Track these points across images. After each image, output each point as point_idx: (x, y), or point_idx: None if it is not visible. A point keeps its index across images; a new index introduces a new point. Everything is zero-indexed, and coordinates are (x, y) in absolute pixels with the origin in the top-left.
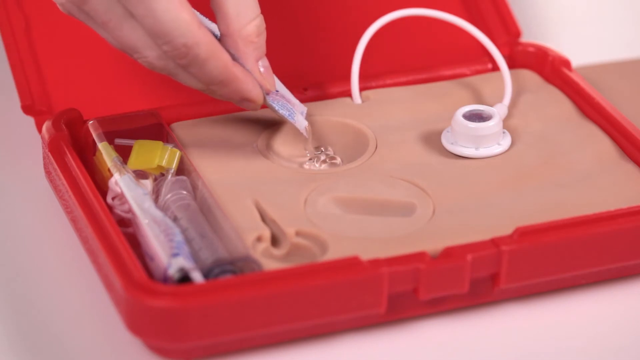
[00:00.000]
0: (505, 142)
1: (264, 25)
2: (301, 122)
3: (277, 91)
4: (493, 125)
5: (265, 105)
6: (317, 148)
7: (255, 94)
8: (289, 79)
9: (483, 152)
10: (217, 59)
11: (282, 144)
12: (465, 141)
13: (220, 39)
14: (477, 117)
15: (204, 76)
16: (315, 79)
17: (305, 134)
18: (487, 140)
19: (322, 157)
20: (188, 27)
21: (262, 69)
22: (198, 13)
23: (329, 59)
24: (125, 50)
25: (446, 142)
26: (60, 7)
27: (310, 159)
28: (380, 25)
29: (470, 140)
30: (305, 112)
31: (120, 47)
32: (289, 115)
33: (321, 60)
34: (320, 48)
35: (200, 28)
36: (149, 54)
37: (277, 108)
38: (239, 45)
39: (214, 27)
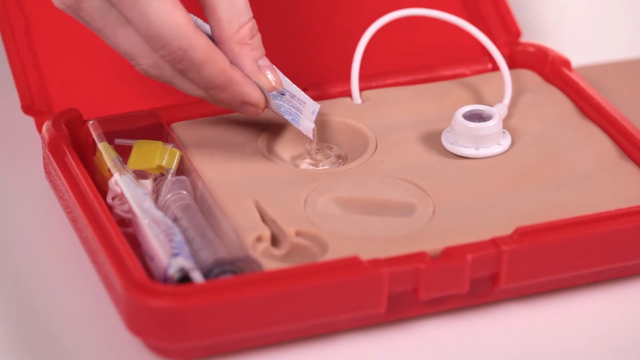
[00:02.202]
0: (505, 142)
1: (256, 28)
2: (307, 126)
3: (284, 93)
4: (493, 125)
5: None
6: (320, 147)
7: (255, 97)
8: (289, 78)
9: (483, 152)
10: (214, 62)
11: (282, 144)
12: (465, 141)
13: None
14: (477, 117)
15: (201, 80)
16: (315, 79)
17: (310, 136)
18: (487, 140)
19: (332, 153)
20: (183, 30)
21: (264, 71)
22: (194, 17)
23: (329, 59)
24: (124, 56)
25: (446, 142)
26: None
27: (314, 155)
28: (380, 25)
29: (470, 140)
30: (317, 110)
31: (118, 52)
32: (293, 119)
33: (321, 60)
34: (320, 48)
35: (196, 32)
36: (144, 61)
37: (281, 113)
38: (234, 49)
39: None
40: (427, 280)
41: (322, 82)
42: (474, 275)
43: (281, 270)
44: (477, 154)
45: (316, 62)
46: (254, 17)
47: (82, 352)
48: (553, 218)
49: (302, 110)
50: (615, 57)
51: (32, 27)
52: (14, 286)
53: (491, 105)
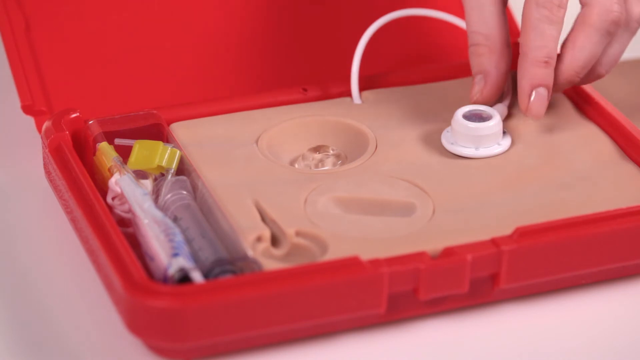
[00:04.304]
0: (505, 142)
1: (554, 58)
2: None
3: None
4: (493, 125)
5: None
6: (320, 147)
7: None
8: (288, 78)
9: (483, 152)
10: None
11: (282, 144)
12: (465, 141)
13: None
14: (477, 117)
15: None
16: (315, 79)
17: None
18: (487, 140)
19: (331, 153)
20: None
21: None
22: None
23: (329, 59)
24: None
25: (446, 142)
26: None
27: (310, 158)
28: (380, 25)
29: (470, 140)
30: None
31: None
32: None
33: (321, 60)
34: (320, 48)
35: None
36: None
37: None
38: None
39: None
40: (427, 280)
41: (322, 82)
42: (474, 275)
43: (281, 270)
44: (477, 154)
45: (316, 62)
46: (254, 17)
47: (82, 352)
48: (553, 218)
49: None
50: None
51: (32, 27)
52: (14, 286)
53: (491, 105)
